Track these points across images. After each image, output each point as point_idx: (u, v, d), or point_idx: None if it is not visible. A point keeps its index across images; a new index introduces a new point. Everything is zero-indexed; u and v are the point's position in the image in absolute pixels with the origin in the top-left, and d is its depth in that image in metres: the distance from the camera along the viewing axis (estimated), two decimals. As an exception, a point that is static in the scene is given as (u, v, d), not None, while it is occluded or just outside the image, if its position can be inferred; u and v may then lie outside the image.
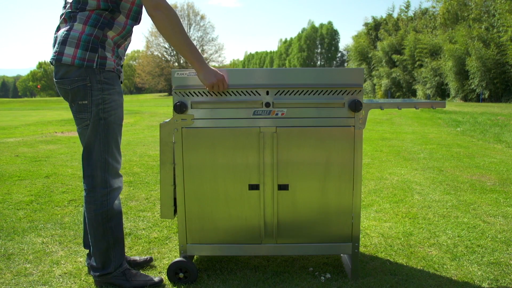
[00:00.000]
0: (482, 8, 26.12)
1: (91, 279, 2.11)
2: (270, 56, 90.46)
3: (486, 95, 24.20)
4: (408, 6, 40.22)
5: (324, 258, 2.31)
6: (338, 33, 71.70)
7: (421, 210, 3.18)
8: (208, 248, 2.06)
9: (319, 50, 71.81)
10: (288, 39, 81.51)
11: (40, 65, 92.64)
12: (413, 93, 34.01)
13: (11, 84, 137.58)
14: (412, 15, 38.93)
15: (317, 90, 1.94)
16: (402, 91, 34.48)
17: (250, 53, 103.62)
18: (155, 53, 58.95)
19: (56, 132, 9.11)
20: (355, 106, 1.92)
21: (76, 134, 8.72)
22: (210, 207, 2.02)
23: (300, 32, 74.43)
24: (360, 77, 1.94)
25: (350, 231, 2.03)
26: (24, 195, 3.73)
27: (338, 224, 2.02)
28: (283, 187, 2.00)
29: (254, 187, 1.99)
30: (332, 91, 1.94)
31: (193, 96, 1.96)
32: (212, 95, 1.95)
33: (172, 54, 58.67)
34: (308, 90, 1.94)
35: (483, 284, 1.99)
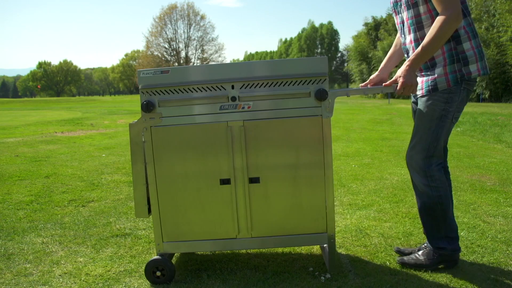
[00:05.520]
0: (482, 8, 26.11)
1: (91, 279, 2.11)
2: (270, 56, 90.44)
3: (486, 95, 24.19)
4: (408, 6, 40.05)
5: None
6: (338, 33, 71.74)
7: (421, 210, 3.18)
8: (184, 245, 2.07)
9: (319, 50, 71.78)
10: (288, 39, 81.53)
11: (40, 65, 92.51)
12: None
13: (11, 84, 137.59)
14: (412, 15, 38.79)
15: (282, 81, 1.95)
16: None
17: (250, 53, 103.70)
18: (155, 53, 58.90)
19: (56, 132, 9.11)
20: (321, 94, 1.93)
21: (76, 134, 8.72)
22: (183, 204, 2.03)
23: (300, 32, 74.45)
24: (324, 65, 1.95)
25: (325, 221, 2.03)
26: (24, 195, 3.73)
27: (312, 214, 2.03)
28: (254, 180, 2.00)
29: (225, 181, 2.00)
30: (297, 81, 1.95)
31: (159, 94, 1.97)
32: (178, 93, 1.96)
33: (172, 54, 58.66)
34: (273, 82, 1.95)
35: (483, 284, 1.99)
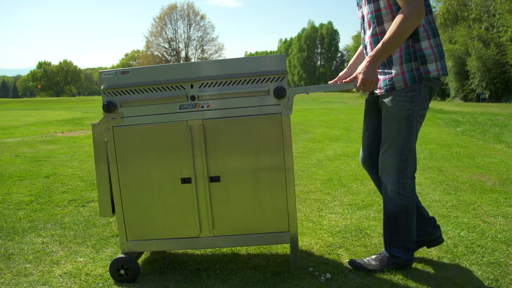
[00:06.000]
0: (482, 8, 26.09)
1: (91, 279, 2.11)
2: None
3: (486, 95, 24.18)
4: (408, 6, 39.95)
5: (324, 258, 2.31)
6: (338, 33, 71.63)
7: (421, 210, 3.18)
8: (148, 244, 2.09)
9: (319, 50, 71.75)
10: (288, 39, 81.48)
11: (40, 65, 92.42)
12: (413, 93, 33.79)
13: (11, 84, 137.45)
14: (412, 15, 38.73)
15: (241, 80, 1.96)
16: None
17: (250, 53, 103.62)
18: (155, 53, 58.85)
19: (56, 132, 9.11)
20: (279, 92, 1.93)
21: (76, 134, 8.72)
22: (146, 203, 2.05)
23: (300, 32, 74.38)
24: (282, 63, 1.96)
25: (287, 220, 2.03)
26: (24, 195, 3.73)
27: (273, 213, 2.03)
28: (215, 179, 2.01)
29: (186, 180, 2.02)
30: (256, 79, 1.96)
31: (121, 95, 2.00)
32: (139, 93, 1.98)
33: (172, 54, 58.62)
34: (231, 81, 1.96)
35: (483, 284, 1.99)
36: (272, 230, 2.04)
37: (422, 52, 1.95)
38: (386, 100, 2.03)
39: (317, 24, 74.41)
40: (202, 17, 58.07)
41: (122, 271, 2.04)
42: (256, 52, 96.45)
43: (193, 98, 1.97)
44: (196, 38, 59.06)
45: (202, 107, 1.98)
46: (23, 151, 6.32)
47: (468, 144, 6.80)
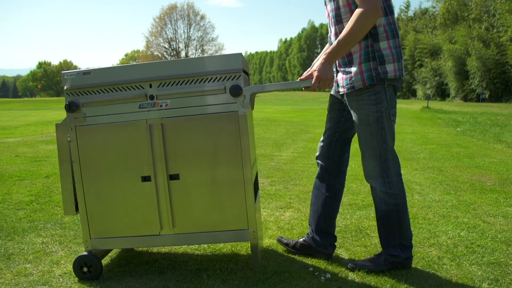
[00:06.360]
0: (482, 8, 26.11)
1: (91, 279, 2.11)
2: (270, 56, 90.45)
3: (486, 95, 24.19)
4: (408, 6, 40.27)
5: (324, 258, 2.31)
6: (338, 33, 71.62)
7: (421, 210, 3.18)
8: (110, 241, 2.11)
9: (319, 50, 71.72)
10: (288, 39, 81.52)
11: (40, 65, 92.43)
12: (413, 93, 34.00)
13: (11, 84, 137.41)
14: (412, 15, 38.99)
15: (198, 79, 1.98)
16: (402, 91, 34.47)
17: (250, 53, 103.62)
18: (155, 53, 58.84)
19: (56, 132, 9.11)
20: (235, 90, 1.96)
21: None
22: (109, 202, 2.07)
23: (300, 32, 74.44)
24: (238, 62, 1.98)
25: (246, 218, 2.04)
26: (24, 195, 3.73)
27: (232, 211, 2.04)
28: (174, 177, 2.03)
29: (146, 178, 2.04)
30: (212, 78, 1.98)
31: (83, 95, 2.03)
32: (100, 93, 2.01)
33: (172, 54, 58.61)
34: (189, 79, 1.99)
35: (483, 284, 1.99)
36: (232, 228, 2.05)
37: (381, 52, 1.95)
38: (352, 105, 2.04)
39: (317, 24, 74.43)
40: (202, 17, 58.08)
41: (85, 269, 2.06)
42: (256, 52, 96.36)
43: (152, 97, 2.01)
44: (196, 38, 59.05)
45: (161, 106, 2.01)
46: (23, 151, 6.32)
47: (468, 144, 6.80)
